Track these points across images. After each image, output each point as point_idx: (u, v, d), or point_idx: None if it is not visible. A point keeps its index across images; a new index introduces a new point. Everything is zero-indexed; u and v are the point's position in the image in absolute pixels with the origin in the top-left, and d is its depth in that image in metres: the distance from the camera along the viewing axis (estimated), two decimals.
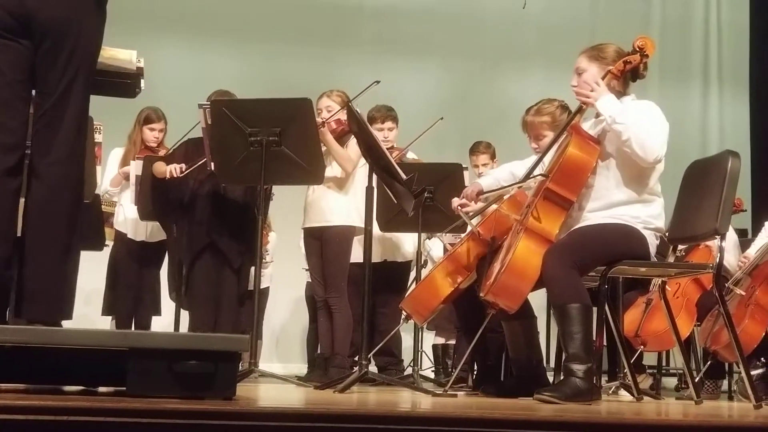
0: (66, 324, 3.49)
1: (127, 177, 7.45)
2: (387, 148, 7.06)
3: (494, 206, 5.11)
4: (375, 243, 7.04)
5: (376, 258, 6.73)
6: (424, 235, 7.08)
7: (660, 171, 4.57)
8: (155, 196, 6.76)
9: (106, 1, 3.55)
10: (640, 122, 4.40)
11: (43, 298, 3.38)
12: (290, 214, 7.33)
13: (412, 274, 7.96)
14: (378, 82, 6.30)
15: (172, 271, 6.87)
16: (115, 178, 7.61)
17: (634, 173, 4.52)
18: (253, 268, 6.24)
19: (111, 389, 3.19)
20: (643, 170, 4.51)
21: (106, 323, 7.76)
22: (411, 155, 7.38)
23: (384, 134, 7.18)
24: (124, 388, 2.93)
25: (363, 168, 6.21)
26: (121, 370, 2.93)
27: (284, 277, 9.11)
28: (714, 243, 4.93)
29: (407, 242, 7.45)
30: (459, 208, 5.10)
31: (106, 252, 7.55)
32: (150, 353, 2.93)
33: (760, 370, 6.17)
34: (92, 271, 7.27)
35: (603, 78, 4.57)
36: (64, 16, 3.41)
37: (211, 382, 2.94)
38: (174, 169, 6.47)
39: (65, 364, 3.11)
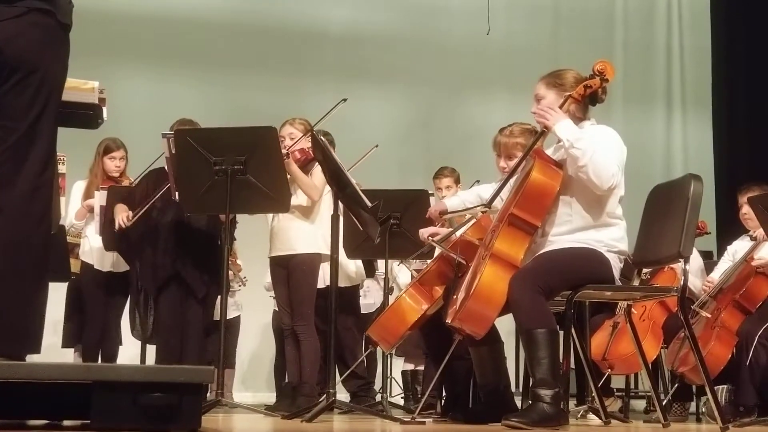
0: (32, 356, 3.46)
1: (91, 209, 7.43)
2: None
3: (460, 231, 5.12)
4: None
5: (320, 284, 6.67)
6: (391, 262, 7.08)
7: (619, 195, 4.59)
8: (118, 236, 6.74)
9: (69, 31, 3.53)
10: (597, 149, 4.42)
11: (8, 333, 3.34)
12: (257, 243, 7.29)
13: (361, 298, 7.92)
14: (345, 100, 6.30)
15: (133, 306, 6.86)
16: (79, 212, 7.55)
17: (595, 197, 4.53)
18: (219, 298, 6.21)
19: (76, 423, 3.16)
20: (602, 195, 4.53)
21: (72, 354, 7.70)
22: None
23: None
24: (89, 422, 2.90)
25: (328, 195, 6.20)
26: (85, 404, 2.91)
27: (252, 306, 9.06)
28: (678, 266, 4.95)
29: (349, 266, 7.38)
30: (429, 238, 5.10)
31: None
32: (114, 386, 2.91)
33: (726, 392, 6.19)
34: (58, 301, 7.24)
35: (564, 102, 4.59)
36: (32, 49, 3.36)
37: (176, 414, 2.92)
38: (122, 221, 6.53)
39: (29, 398, 3.08)
